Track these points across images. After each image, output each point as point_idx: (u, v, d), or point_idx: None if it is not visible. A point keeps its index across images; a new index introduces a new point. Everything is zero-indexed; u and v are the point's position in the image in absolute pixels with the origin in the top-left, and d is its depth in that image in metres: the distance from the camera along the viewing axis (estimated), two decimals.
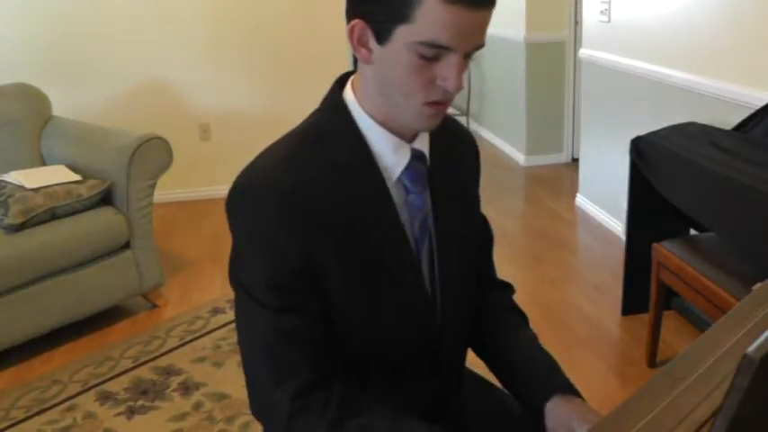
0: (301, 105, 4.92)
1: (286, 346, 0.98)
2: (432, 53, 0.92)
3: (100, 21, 4.26)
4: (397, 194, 1.04)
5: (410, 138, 1.05)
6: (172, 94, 4.45)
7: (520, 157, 5.22)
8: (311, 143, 1.02)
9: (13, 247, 2.67)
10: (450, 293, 1.11)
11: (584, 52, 4.00)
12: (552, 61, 5.00)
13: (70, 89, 4.21)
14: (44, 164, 3.22)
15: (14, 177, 2.90)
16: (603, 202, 3.97)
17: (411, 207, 1.06)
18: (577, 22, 4.74)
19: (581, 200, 4.25)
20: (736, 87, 2.67)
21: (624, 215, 2.94)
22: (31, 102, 3.31)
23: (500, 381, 1.21)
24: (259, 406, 1.04)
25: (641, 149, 2.61)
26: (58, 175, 2.95)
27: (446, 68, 0.93)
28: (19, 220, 2.71)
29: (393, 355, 1.08)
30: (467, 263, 1.16)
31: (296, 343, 0.98)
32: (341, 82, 1.07)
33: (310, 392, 0.97)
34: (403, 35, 0.91)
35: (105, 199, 2.98)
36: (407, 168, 1.04)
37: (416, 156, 1.05)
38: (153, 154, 3.00)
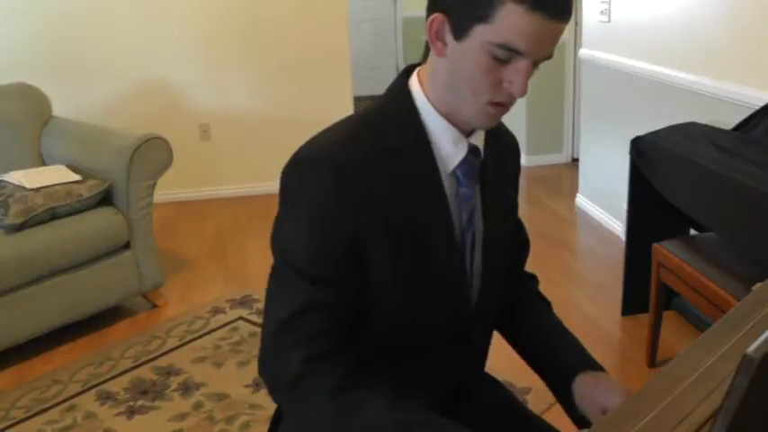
0: (301, 105, 4.93)
1: (311, 314, 1.01)
2: (504, 55, 0.95)
3: (100, 21, 4.25)
4: (449, 185, 1.07)
5: (467, 132, 1.08)
6: (172, 94, 4.45)
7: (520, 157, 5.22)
8: (372, 126, 1.05)
9: (13, 247, 2.67)
10: (487, 284, 1.15)
11: (584, 52, 3.99)
12: (552, 61, 4.96)
13: (70, 89, 4.21)
14: (44, 164, 3.22)
15: (14, 177, 2.90)
16: (603, 202, 3.97)
17: (462, 199, 1.09)
18: (577, 23, 4.74)
19: (581, 200, 4.25)
20: (736, 87, 2.67)
21: (624, 215, 2.94)
22: (31, 102, 3.30)
23: (528, 362, 1.26)
24: (269, 364, 1.06)
25: (641, 149, 2.61)
26: (58, 175, 2.95)
27: (514, 72, 0.97)
28: (19, 220, 2.71)
29: (425, 337, 1.11)
30: (505, 256, 1.20)
31: (322, 314, 1.01)
32: (407, 72, 1.10)
33: (321, 359, 1.00)
34: (480, 34, 0.94)
35: (105, 199, 2.98)
36: (463, 161, 1.07)
37: (472, 150, 1.08)
38: (153, 154, 3.00)
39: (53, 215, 2.82)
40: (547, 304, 1.32)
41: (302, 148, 1.05)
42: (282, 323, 1.02)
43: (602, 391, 1.09)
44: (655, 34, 3.23)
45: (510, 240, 1.23)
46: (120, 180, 2.96)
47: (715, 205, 2.26)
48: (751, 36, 2.60)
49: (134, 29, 4.30)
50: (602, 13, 3.71)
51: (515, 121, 5.22)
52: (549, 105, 5.07)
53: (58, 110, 3.46)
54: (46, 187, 2.84)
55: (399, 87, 1.08)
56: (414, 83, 1.07)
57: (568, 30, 4.91)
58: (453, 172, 1.07)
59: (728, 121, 2.63)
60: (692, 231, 2.75)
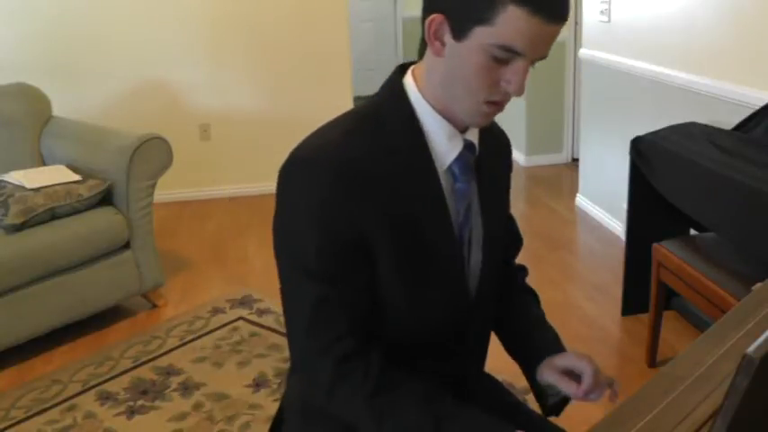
0: (301, 105, 4.94)
1: (330, 312, 1.02)
2: (504, 56, 0.97)
3: (100, 21, 4.26)
4: (445, 181, 1.09)
5: (462, 129, 1.09)
6: (172, 94, 4.45)
7: (520, 158, 5.22)
8: (368, 123, 1.06)
9: (13, 247, 2.67)
10: (485, 279, 1.16)
11: (584, 52, 3.99)
12: (552, 61, 4.98)
13: (70, 89, 4.21)
14: (44, 164, 3.22)
15: (14, 177, 2.90)
16: (603, 202, 3.97)
17: (457, 194, 1.10)
18: (577, 22, 4.74)
19: (581, 200, 4.25)
20: (736, 87, 2.67)
21: (624, 215, 2.94)
22: (31, 102, 3.30)
23: (508, 352, 1.28)
24: (302, 370, 1.10)
25: (641, 149, 2.61)
26: (58, 175, 2.95)
27: (513, 72, 0.99)
28: (19, 220, 2.71)
29: (425, 333, 1.12)
30: (501, 251, 1.23)
31: (339, 311, 1.03)
32: (401, 70, 1.11)
33: (351, 360, 1.02)
34: (480, 35, 0.96)
35: (105, 199, 2.98)
36: (458, 157, 1.08)
37: (467, 146, 1.09)
38: (153, 154, 3.00)
39: (53, 215, 2.81)
40: (534, 296, 1.35)
41: (299, 148, 1.05)
42: (305, 326, 1.04)
43: (563, 356, 1.13)
44: (655, 34, 3.23)
45: (504, 233, 1.26)
46: (120, 180, 2.95)
47: (715, 205, 2.26)
48: (751, 36, 2.60)
49: (134, 29, 4.30)
50: (602, 13, 3.71)
51: (515, 120, 5.22)
52: (549, 105, 5.06)
53: (58, 110, 3.46)
54: (46, 187, 2.84)
55: (394, 85, 1.09)
56: (408, 80, 1.08)
57: (568, 30, 4.91)
58: (449, 168, 1.08)
59: (728, 121, 2.63)
60: (692, 231, 2.75)
